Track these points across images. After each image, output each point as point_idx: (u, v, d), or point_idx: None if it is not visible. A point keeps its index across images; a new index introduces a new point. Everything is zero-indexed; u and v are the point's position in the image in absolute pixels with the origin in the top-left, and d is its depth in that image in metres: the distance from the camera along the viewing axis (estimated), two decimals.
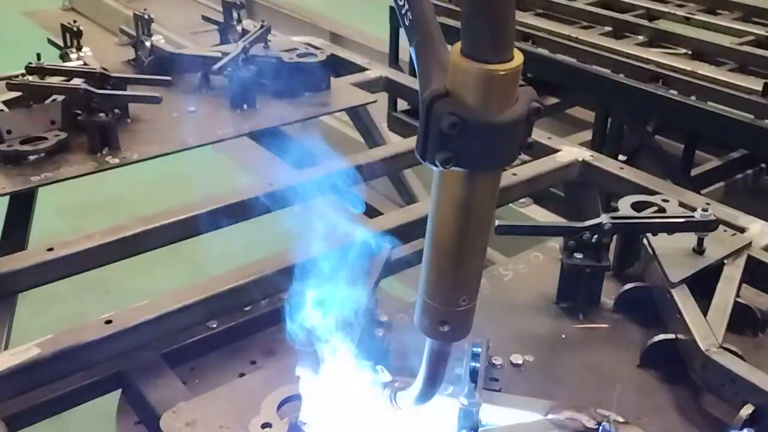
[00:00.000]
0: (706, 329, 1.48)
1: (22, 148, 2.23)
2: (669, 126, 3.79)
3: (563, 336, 1.68)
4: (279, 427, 1.32)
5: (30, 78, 2.40)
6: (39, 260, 1.82)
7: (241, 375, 1.80)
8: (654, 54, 3.75)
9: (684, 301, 1.56)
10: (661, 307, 1.64)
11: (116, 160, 2.29)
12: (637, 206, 1.84)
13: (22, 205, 2.38)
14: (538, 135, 2.43)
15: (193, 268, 3.57)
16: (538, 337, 1.67)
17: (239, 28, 3.08)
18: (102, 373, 1.78)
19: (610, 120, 3.78)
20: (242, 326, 1.98)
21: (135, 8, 3.02)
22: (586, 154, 2.37)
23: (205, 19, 3.30)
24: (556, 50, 4.02)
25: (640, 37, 4.03)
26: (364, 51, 5.47)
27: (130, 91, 2.50)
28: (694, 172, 3.64)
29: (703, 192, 3.10)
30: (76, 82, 2.41)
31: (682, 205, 1.89)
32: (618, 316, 1.73)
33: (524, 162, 2.35)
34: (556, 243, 1.97)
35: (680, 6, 4.39)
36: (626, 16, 4.26)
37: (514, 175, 2.22)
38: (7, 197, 2.27)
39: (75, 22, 2.81)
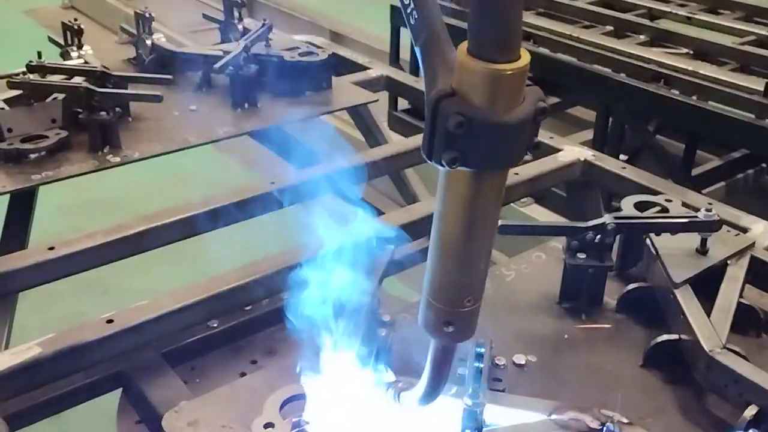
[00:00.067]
0: (709, 330, 1.48)
1: (23, 146, 2.22)
2: (670, 126, 3.79)
3: (566, 336, 1.68)
4: (282, 427, 1.31)
5: (31, 76, 2.40)
6: (40, 259, 1.82)
7: (242, 374, 1.80)
8: (655, 54, 3.75)
9: (687, 301, 1.56)
10: (664, 307, 1.64)
11: (117, 159, 2.28)
12: (640, 206, 1.83)
13: (23, 203, 2.37)
14: (540, 134, 2.39)
15: (192, 267, 3.57)
16: (540, 338, 1.67)
17: (240, 26, 3.07)
18: (102, 373, 1.78)
19: (611, 119, 3.78)
20: (243, 326, 1.98)
21: (135, 6, 3.01)
22: (588, 154, 2.36)
23: (206, 17, 3.29)
24: (557, 49, 4.02)
25: (642, 37, 4.04)
26: (364, 49, 5.48)
27: (132, 90, 2.49)
28: (695, 171, 3.65)
29: (704, 192, 3.10)
30: (77, 80, 2.40)
31: (684, 205, 1.88)
32: (621, 317, 1.72)
33: (526, 161, 2.35)
34: (558, 243, 1.96)
35: (682, 6, 4.40)
36: (628, 16, 4.26)
37: (516, 174, 2.21)
38: (8, 196, 2.27)
39: (76, 20, 2.81)
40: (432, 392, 1.13)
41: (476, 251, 0.96)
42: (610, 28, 4.16)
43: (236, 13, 3.13)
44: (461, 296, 0.99)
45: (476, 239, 0.95)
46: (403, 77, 3.10)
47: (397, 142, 2.78)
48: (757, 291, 1.77)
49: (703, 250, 1.70)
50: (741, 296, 1.64)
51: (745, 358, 1.45)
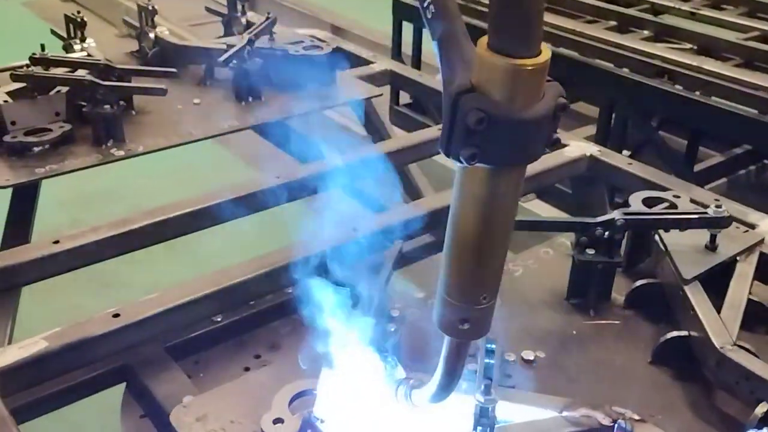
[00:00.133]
0: (720, 326, 1.48)
1: (27, 139, 2.21)
2: (674, 121, 3.78)
3: (574, 332, 1.67)
4: (291, 422, 1.30)
5: (35, 69, 2.38)
6: (45, 253, 1.81)
7: (246, 369, 1.79)
8: (659, 49, 3.73)
9: (697, 298, 1.55)
10: (673, 303, 1.64)
11: (121, 152, 2.27)
12: (648, 202, 1.83)
13: (26, 197, 2.36)
14: None
15: (192, 261, 3.56)
16: (548, 333, 1.67)
17: (243, 20, 3.06)
18: (106, 367, 1.77)
19: (614, 115, 3.77)
20: (247, 320, 1.96)
21: None
22: (594, 149, 2.36)
23: (209, 10, 3.28)
24: (560, 44, 4.01)
25: (645, 32, 4.02)
26: (365, 44, 5.45)
27: (136, 83, 2.48)
28: (697, 167, 3.63)
29: (706, 188, 3.09)
30: (81, 73, 2.39)
31: (692, 201, 1.88)
32: (629, 313, 1.72)
33: None
34: (565, 238, 1.96)
35: (685, 1, 4.38)
36: (631, 11, 4.25)
37: None
38: (10, 189, 2.25)
39: (79, 12, 2.79)
40: (445, 390, 1.12)
41: (493, 248, 0.95)
42: (613, 23, 4.14)
43: (239, 7, 3.12)
44: (477, 293, 0.98)
45: (493, 236, 0.94)
46: (408, 71, 3.09)
47: (400, 137, 2.77)
48: (765, 288, 1.77)
49: (712, 247, 1.69)
50: (750, 293, 1.63)
51: (755, 355, 1.45)
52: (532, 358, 1.57)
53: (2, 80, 2.45)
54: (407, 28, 4.58)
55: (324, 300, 1.34)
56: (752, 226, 1.91)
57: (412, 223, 1.96)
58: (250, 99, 2.61)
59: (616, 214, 1.68)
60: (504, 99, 0.83)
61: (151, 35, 2.80)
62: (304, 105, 2.63)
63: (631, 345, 1.64)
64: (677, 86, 3.49)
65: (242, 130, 2.55)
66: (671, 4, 4.34)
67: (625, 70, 3.69)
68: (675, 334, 1.56)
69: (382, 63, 3.08)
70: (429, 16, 0.90)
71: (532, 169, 2.17)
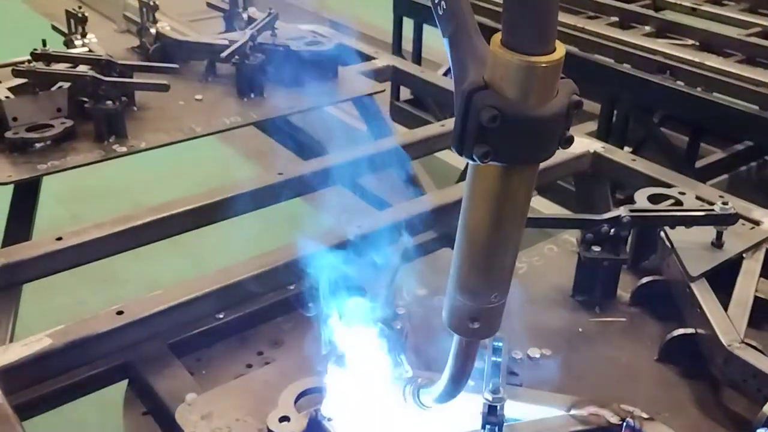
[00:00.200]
0: (727, 324, 1.47)
1: (29, 135, 2.20)
2: (676, 117, 3.77)
3: (580, 330, 1.67)
4: (297, 420, 1.30)
5: (36, 65, 2.37)
6: (48, 250, 1.80)
7: (248, 366, 1.79)
8: (661, 45, 3.72)
9: (704, 295, 1.55)
10: (679, 301, 1.63)
11: (123, 149, 2.27)
12: (653, 199, 1.82)
13: (28, 193, 2.35)
14: None
15: (192, 257, 3.56)
16: (554, 331, 1.66)
17: (245, 15, 3.05)
18: (108, 364, 1.76)
19: (615, 111, 3.76)
20: (249, 317, 1.96)
21: None
22: (597, 146, 2.35)
23: (210, 6, 3.27)
24: (562, 41, 3.97)
25: (647, 28, 4.01)
26: (365, 40, 5.43)
27: (137, 79, 2.47)
28: (698, 164, 3.63)
29: (707, 184, 3.09)
30: (82, 69, 2.38)
31: (697, 198, 1.87)
32: (635, 310, 1.71)
33: None
34: (569, 235, 1.95)
35: None
36: (632, 7, 4.24)
37: None
38: (10, 185, 2.25)
39: (80, 8, 2.78)
40: (454, 389, 1.11)
41: (505, 247, 0.94)
42: (615, 19, 4.13)
43: (241, 2, 3.11)
44: (488, 292, 0.97)
45: (505, 235, 0.93)
46: (410, 67, 3.09)
47: (403, 134, 2.77)
48: None
49: (718, 244, 1.69)
50: (756, 290, 1.63)
51: (763, 352, 1.44)
52: (538, 355, 1.56)
53: (4, 76, 2.44)
54: (407, 24, 4.57)
55: (336, 301, 1.33)
56: (757, 223, 1.90)
57: (415, 219, 1.96)
58: (252, 95, 2.60)
59: (622, 211, 1.68)
60: (518, 96, 0.82)
61: (153, 31, 2.79)
62: (306, 101, 2.62)
63: (638, 342, 1.63)
64: (679, 82, 3.49)
65: (244, 126, 2.54)
66: (672, 0, 4.33)
67: (627, 66, 3.68)
68: (681, 331, 1.55)
69: (384, 59, 3.07)
70: (440, 13, 0.89)
71: None
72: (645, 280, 1.72)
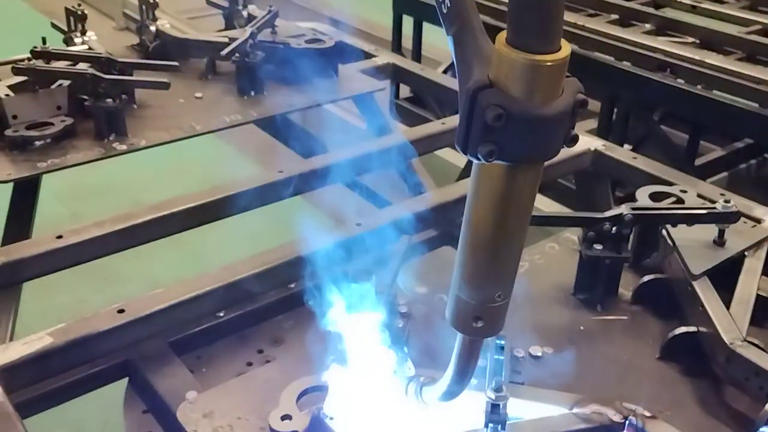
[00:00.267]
0: (729, 322, 1.47)
1: (28, 133, 2.20)
2: (676, 115, 3.77)
3: (581, 328, 1.67)
4: (299, 419, 1.30)
5: (36, 62, 2.37)
6: (48, 248, 1.80)
7: (249, 364, 1.79)
8: (661, 42, 3.72)
9: (706, 293, 1.55)
10: (681, 299, 1.63)
11: (124, 147, 2.26)
12: (655, 197, 1.82)
13: (27, 191, 2.34)
14: None
15: (191, 255, 3.56)
16: (556, 329, 1.66)
17: (245, 13, 3.04)
18: (109, 362, 1.76)
19: (615, 109, 3.76)
20: (249, 315, 1.96)
21: None
22: (598, 144, 2.35)
23: (210, 3, 3.26)
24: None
25: (647, 26, 4.01)
26: (365, 38, 5.43)
27: (137, 77, 2.46)
28: (698, 161, 3.63)
29: (707, 182, 3.09)
30: (82, 66, 2.37)
31: (698, 196, 1.87)
32: (636, 308, 1.71)
33: None
34: (571, 233, 1.95)
35: None
36: (632, 4, 4.24)
37: None
38: (10, 183, 2.24)
39: (80, 5, 2.77)
40: (456, 388, 1.11)
41: (509, 246, 0.94)
42: (615, 16, 4.13)
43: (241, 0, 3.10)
44: (492, 291, 0.97)
45: (509, 234, 0.93)
46: (410, 65, 3.08)
47: (403, 132, 2.76)
48: None
49: (720, 242, 1.69)
50: (758, 288, 1.63)
51: (765, 351, 1.44)
52: (540, 354, 1.56)
53: (3, 74, 2.44)
54: (407, 22, 4.57)
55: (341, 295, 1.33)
56: (758, 221, 1.90)
57: (416, 217, 1.96)
58: (253, 93, 2.60)
59: (624, 209, 1.67)
60: (523, 95, 0.81)
61: (152, 28, 2.79)
62: (306, 99, 2.62)
63: (639, 341, 1.63)
64: (679, 80, 3.49)
65: (244, 124, 2.54)
66: None
67: (627, 63, 3.68)
68: (683, 329, 1.55)
69: (384, 56, 3.06)
70: (444, 11, 0.89)
71: None
72: (647, 278, 1.71)
